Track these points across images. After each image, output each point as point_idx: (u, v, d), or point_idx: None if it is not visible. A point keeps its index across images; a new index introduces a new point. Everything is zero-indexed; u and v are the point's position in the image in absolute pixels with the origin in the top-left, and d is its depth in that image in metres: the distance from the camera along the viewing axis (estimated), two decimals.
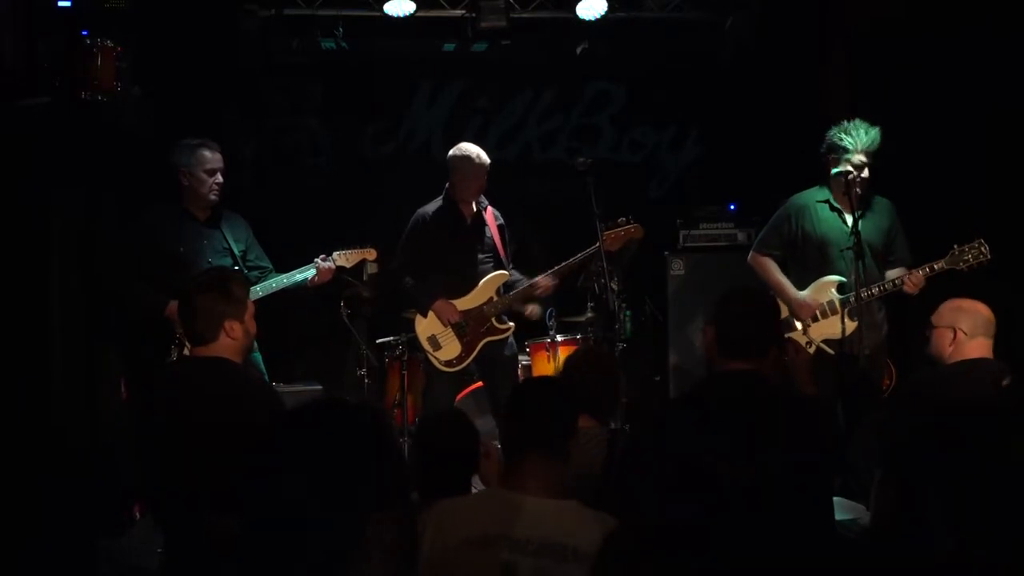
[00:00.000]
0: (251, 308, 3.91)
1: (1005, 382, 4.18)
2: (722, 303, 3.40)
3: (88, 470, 5.66)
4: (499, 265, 6.35)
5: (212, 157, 5.75)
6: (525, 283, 6.32)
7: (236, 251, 5.81)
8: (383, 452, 1.85)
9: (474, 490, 3.88)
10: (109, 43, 5.76)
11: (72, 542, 5.27)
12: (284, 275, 5.85)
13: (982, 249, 5.47)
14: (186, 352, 5.33)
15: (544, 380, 3.95)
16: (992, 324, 4.36)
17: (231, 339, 3.80)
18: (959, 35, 6.40)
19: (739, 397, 3.22)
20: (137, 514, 5.54)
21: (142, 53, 6.13)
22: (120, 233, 5.90)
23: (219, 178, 5.75)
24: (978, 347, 4.34)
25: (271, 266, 5.95)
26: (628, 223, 6.17)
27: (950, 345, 4.37)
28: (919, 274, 5.53)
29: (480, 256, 6.32)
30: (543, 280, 6.26)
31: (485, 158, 6.26)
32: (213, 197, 5.75)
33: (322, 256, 5.94)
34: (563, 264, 6.21)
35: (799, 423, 3.19)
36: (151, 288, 5.59)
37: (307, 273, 5.87)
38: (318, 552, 1.73)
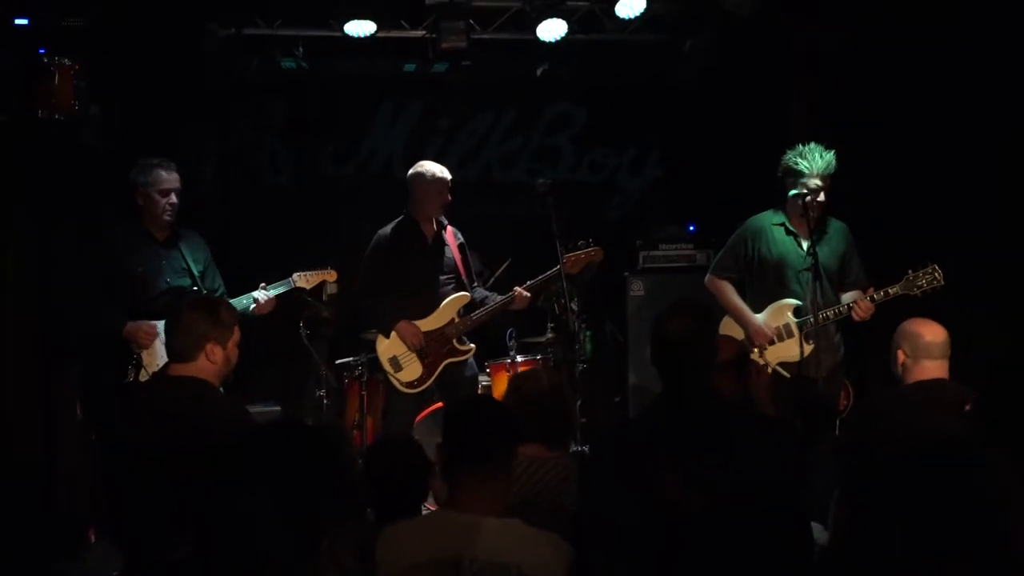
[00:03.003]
0: (236, 336, 3.94)
1: (967, 407, 4.19)
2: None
3: (42, 492, 5.58)
4: (460, 286, 6.35)
5: (168, 177, 5.69)
6: (496, 299, 6.30)
7: (195, 271, 5.75)
8: (340, 472, 1.86)
9: (426, 510, 3.87)
10: (67, 61, 5.72)
11: (26, 566, 5.20)
12: (231, 300, 5.75)
13: (936, 274, 5.52)
14: (143, 376, 5.32)
15: (479, 400, 3.92)
16: (937, 346, 4.32)
17: (210, 362, 3.84)
18: (926, 58, 6.47)
19: (696, 418, 3.22)
20: (92, 537, 5.46)
21: (101, 71, 6.08)
22: (79, 253, 5.85)
23: (172, 198, 5.68)
24: (926, 369, 4.32)
25: (224, 289, 5.90)
26: (588, 246, 6.20)
27: (896, 367, 4.40)
28: (866, 303, 5.59)
29: (441, 277, 6.32)
30: (520, 293, 6.20)
31: (445, 173, 6.26)
32: (167, 218, 5.69)
33: (262, 285, 5.91)
34: (535, 280, 6.19)
35: (760, 442, 3.20)
36: (109, 308, 5.54)
37: (247, 302, 5.81)
38: (275, 569, 1.74)
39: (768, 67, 7.49)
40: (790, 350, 5.69)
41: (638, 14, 6.94)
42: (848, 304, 5.65)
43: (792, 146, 5.77)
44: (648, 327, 7.34)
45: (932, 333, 4.35)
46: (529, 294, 6.20)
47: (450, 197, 6.29)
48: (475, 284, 6.47)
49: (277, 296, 5.95)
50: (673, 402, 3.29)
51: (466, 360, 6.36)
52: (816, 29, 7.20)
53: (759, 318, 5.83)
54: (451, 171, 6.35)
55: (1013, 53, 6.01)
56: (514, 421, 3.29)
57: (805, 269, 5.59)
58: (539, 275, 6.19)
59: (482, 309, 6.30)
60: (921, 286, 5.53)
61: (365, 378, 6.76)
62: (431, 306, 6.25)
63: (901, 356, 4.35)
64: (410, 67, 7.78)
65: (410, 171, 6.34)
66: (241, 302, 5.77)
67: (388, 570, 2.95)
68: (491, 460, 3.09)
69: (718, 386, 3.46)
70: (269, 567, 1.79)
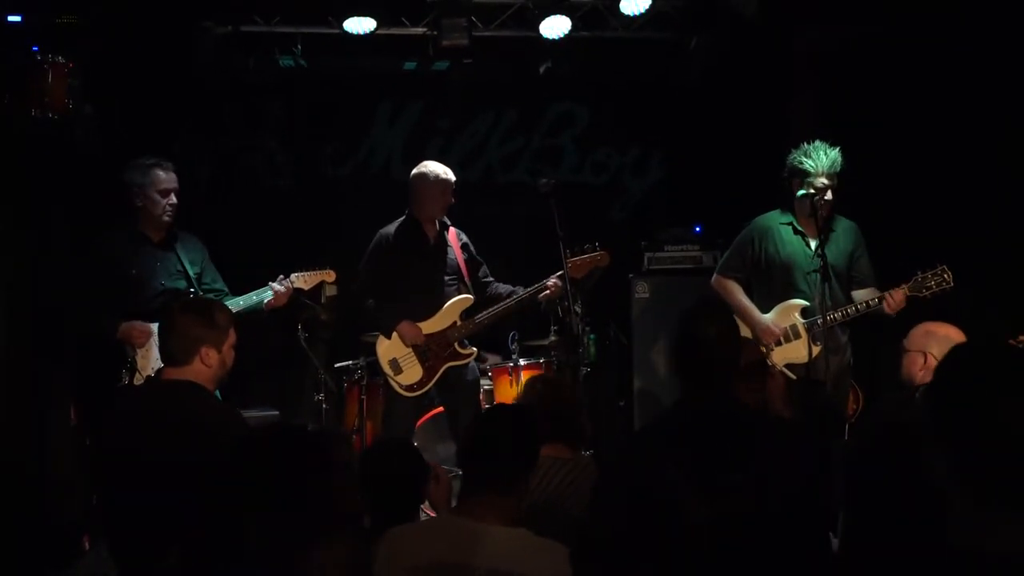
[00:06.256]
0: (232, 338, 3.85)
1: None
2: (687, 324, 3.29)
3: (35, 498, 5.51)
4: (463, 287, 6.26)
5: (166, 177, 5.62)
6: (521, 291, 6.19)
7: (191, 273, 5.69)
8: (337, 478, 1.88)
9: (423, 515, 3.82)
10: (60, 59, 5.65)
11: (19, 574, 5.13)
12: (240, 298, 5.71)
13: (945, 276, 5.48)
14: (137, 379, 5.24)
15: (505, 411, 3.87)
16: None
17: (205, 366, 3.75)
18: (927, 57, 6.46)
19: (719, 424, 3.13)
20: (86, 544, 5.38)
21: (96, 70, 6.01)
22: (72, 254, 5.78)
23: (172, 199, 5.61)
24: None
25: (226, 289, 5.83)
26: (594, 250, 6.09)
27: (920, 369, 4.38)
28: (900, 294, 5.48)
29: (445, 278, 6.23)
30: (556, 282, 6.00)
31: (449, 175, 6.17)
32: (166, 218, 5.62)
33: (280, 277, 5.81)
34: (538, 283, 6.10)
35: (784, 451, 3.11)
36: (102, 310, 5.47)
37: (263, 295, 5.74)
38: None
39: (769, 67, 7.44)
40: (797, 351, 5.64)
41: (643, 10, 6.88)
42: (867, 301, 5.56)
43: (796, 146, 5.73)
44: (653, 330, 7.39)
45: (960, 334, 4.35)
46: (560, 283, 5.96)
47: (454, 199, 6.19)
48: (489, 278, 6.35)
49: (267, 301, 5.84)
50: (696, 407, 3.19)
51: (467, 364, 6.27)
52: (816, 29, 7.18)
53: (766, 318, 5.75)
54: (452, 172, 6.25)
55: (1013, 53, 6.05)
56: (536, 438, 3.24)
57: (813, 270, 5.52)
58: (542, 277, 6.08)
59: (491, 309, 6.20)
60: (930, 287, 5.48)
61: (364, 382, 6.66)
62: (433, 308, 6.16)
63: (929, 358, 4.31)
64: (410, 65, 7.72)
65: (413, 171, 6.25)
66: (251, 300, 5.70)
67: (389, 569, 2.91)
68: (511, 475, 3.08)
69: (741, 394, 3.38)
70: (264, 573, 1.75)
